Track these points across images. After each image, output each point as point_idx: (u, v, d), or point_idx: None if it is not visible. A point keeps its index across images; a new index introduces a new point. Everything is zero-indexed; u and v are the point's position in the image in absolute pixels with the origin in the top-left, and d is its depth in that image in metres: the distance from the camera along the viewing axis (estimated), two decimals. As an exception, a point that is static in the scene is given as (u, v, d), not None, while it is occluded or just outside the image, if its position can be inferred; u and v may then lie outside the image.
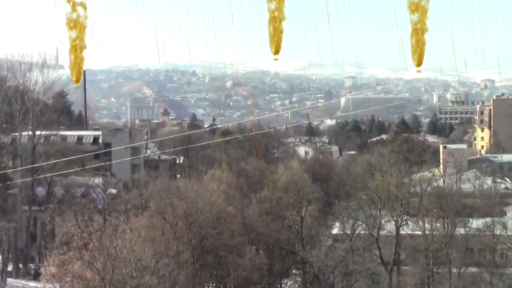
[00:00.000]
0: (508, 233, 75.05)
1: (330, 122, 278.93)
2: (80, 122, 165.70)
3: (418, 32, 11.46)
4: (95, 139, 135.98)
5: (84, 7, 11.29)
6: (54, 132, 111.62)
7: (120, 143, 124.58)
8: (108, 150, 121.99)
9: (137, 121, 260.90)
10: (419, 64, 11.63)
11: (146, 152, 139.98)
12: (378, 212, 78.74)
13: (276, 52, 11.58)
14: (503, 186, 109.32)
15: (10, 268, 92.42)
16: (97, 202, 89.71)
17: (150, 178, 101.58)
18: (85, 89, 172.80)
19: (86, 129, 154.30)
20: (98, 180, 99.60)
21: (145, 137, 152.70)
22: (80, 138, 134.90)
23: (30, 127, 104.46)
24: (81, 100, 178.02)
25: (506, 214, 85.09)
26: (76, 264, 53.36)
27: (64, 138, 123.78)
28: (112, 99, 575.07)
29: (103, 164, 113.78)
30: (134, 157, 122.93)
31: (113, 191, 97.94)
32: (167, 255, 64.36)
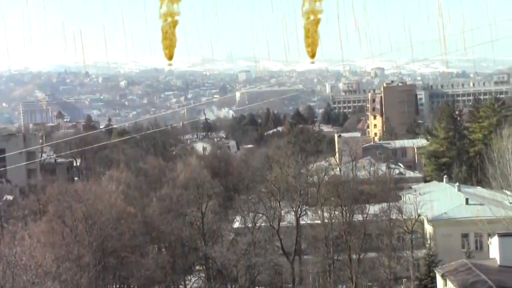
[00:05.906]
0: (404, 217, 76.85)
1: (226, 116, 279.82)
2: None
3: (312, 24, 11.68)
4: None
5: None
6: None
7: (15, 148, 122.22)
8: (2, 156, 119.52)
9: (31, 125, 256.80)
10: (313, 55, 11.92)
11: (41, 156, 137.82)
12: (278, 204, 79.49)
13: (170, 57, 11.76)
14: (397, 171, 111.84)
15: None
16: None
17: (47, 182, 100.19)
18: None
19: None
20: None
21: (40, 141, 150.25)
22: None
23: None
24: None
25: (401, 199, 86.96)
26: (-26, 274, 52.18)
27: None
28: (4, 104, 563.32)
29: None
30: (29, 162, 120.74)
31: (9, 197, 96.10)
32: (68, 259, 63.70)
